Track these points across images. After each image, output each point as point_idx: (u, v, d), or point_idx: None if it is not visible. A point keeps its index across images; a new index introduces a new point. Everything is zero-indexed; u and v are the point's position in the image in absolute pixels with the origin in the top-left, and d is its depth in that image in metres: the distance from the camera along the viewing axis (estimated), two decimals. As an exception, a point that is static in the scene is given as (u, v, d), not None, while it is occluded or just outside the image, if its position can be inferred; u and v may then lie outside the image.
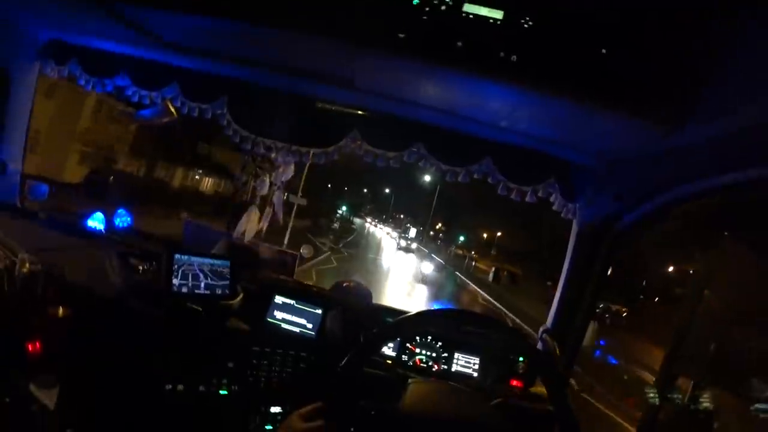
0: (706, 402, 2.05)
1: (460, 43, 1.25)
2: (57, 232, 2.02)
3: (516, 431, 1.26)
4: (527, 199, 1.85)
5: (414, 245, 36.14)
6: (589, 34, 1.23)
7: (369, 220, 72.61)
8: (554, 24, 1.24)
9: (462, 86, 1.44)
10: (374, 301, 1.94)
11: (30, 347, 1.48)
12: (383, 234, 54.32)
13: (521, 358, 1.78)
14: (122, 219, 2.31)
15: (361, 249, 27.98)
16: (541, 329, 1.90)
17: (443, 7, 1.26)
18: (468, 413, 1.17)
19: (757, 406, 1.63)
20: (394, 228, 57.54)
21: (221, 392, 1.57)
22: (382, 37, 1.29)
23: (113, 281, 1.67)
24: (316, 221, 31.36)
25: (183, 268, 1.60)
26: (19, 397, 1.43)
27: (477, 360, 1.86)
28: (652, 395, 1.99)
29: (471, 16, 1.25)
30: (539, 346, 1.85)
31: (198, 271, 1.64)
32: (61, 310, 1.48)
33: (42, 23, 2.02)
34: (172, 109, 2.06)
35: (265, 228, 2.07)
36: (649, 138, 1.39)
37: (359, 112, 1.89)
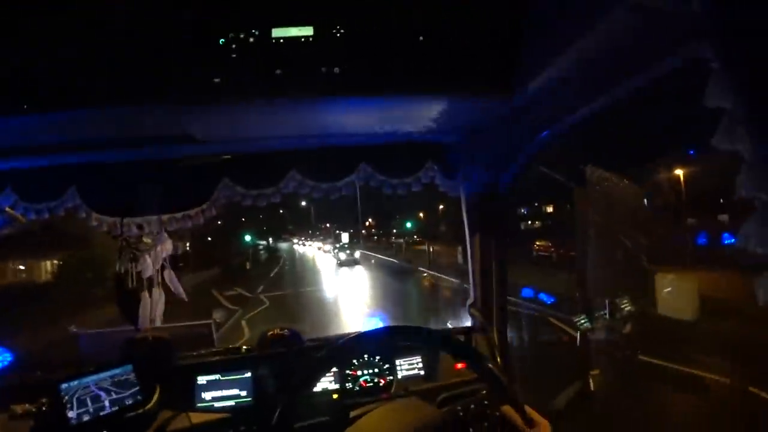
0: (626, 306, 2.28)
1: (278, 71, 1.22)
2: None
3: (460, 417, 1.29)
4: (413, 188, 1.88)
5: (357, 253, 29.47)
6: (402, 28, 1.27)
7: (295, 240, 64.92)
8: (365, 27, 1.25)
9: (300, 110, 1.42)
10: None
11: None
12: (314, 251, 48.00)
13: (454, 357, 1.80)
14: (2, 356, 1.99)
15: (291, 281, 20.95)
16: (468, 304, 1.96)
17: (251, 39, 1.22)
18: (413, 425, 1.16)
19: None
20: (325, 240, 52.83)
21: None
22: (198, 88, 1.22)
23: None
24: (227, 266, 23.98)
25: (77, 395, 1.41)
26: None
27: (419, 358, 1.88)
28: (582, 321, 2.15)
29: (282, 40, 1.22)
30: (470, 322, 1.92)
31: (97, 391, 1.45)
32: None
33: None
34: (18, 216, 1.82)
35: (161, 311, 1.88)
36: (492, 106, 1.48)
37: (225, 161, 1.79)
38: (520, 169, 1.69)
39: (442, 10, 1.28)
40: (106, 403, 1.44)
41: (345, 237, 41.63)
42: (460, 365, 1.81)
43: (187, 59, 1.23)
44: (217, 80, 1.22)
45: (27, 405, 1.44)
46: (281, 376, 1.62)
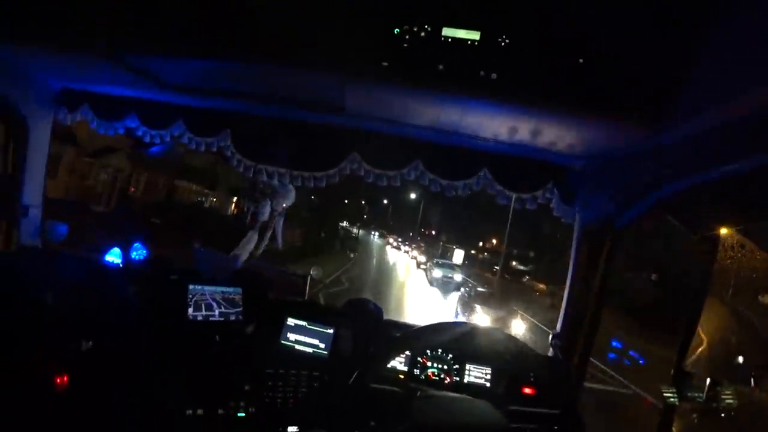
0: (729, 399, 2.01)
1: (441, 66, 1.31)
2: (78, 269, 2.12)
3: None
4: (527, 206, 1.88)
5: (458, 276, 20.08)
6: (565, 46, 1.29)
7: (391, 240, 50.25)
8: (529, 40, 1.30)
9: (448, 105, 1.50)
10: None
11: (58, 380, 1.56)
12: (407, 260, 31.83)
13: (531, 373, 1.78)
14: (138, 252, 2.41)
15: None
16: (551, 335, 1.91)
17: (423, 34, 1.33)
18: (478, 422, 1.19)
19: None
20: (427, 250, 34.91)
21: (239, 414, 1.62)
22: (367, 66, 1.36)
23: (132, 314, 1.75)
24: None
25: (197, 298, 1.68)
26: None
27: (489, 370, 1.87)
28: (670, 395, 1.96)
29: (450, 40, 1.32)
30: (551, 352, 1.86)
31: (211, 300, 1.71)
32: (84, 344, 1.56)
33: (54, 73, 2.16)
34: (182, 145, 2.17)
35: (259, 253, 2.12)
36: (634, 138, 1.43)
37: (356, 135, 1.96)
38: (646, 209, 1.60)
39: (607, 31, 1.27)
40: (216, 313, 1.70)
41: (458, 256, 28.97)
42: (528, 390, 1.77)
43: (364, 41, 1.38)
44: (384, 64, 1.35)
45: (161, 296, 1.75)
46: (361, 342, 1.74)
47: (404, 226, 55.15)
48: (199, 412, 1.59)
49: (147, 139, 2.28)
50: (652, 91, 1.27)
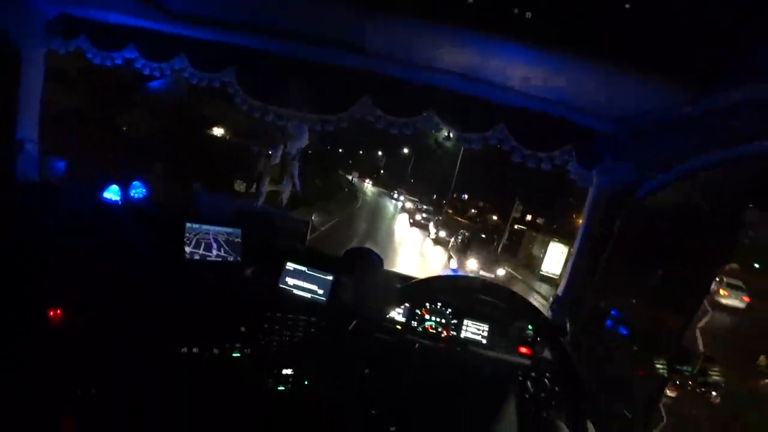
0: (715, 375, 2.04)
1: (470, 0, 1.19)
2: (76, 206, 2.07)
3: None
4: (542, 166, 1.80)
5: None
6: None
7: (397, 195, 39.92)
8: None
9: (474, 46, 1.39)
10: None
11: (51, 314, 1.55)
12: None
13: (530, 327, 1.77)
14: (137, 190, 2.36)
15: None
16: (551, 299, 1.88)
17: None
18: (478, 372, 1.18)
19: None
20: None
21: (234, 355, 1.62)
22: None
23: (128, 250, 1.71)
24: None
25: (197, 237, 1.64)
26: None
27: (486, 327, 1.87)
28: (660, 366, 1.98)
29: None
30: (549, 315, 1.85)
31: (211, 240, 1.67)
32: (79, 279, 1.53)
33: None
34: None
35: (286, 197, 2.07)
36: (673, 102, 1.33)
37: (370, 78, 1.84)
38: (670, 180, 1.54)
39: None
40: (214, 252, 1.66)
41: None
42: (524, 350, 1.77)
43: None
44: None
45: (159, 233, 1.71)
46: (360, 291, 1.72)
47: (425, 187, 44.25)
48: (194, 350, 1.59)
49: (146, 72, 2.16)
50: (705, 50, 1.14)
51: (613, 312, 1.98)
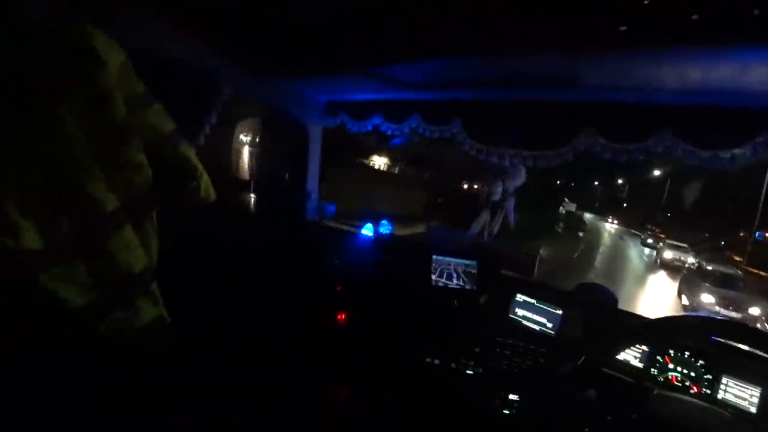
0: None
1: (695, 17, 1.11)
2: (343, 239, 2.75)
3: None
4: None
5: None
6: None
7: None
8: None
9: (703, 61, 1.26)
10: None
11: (340, 317, 2.10)
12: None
13: None
14: (385, 227, 2.95)
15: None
16: None
17: None
18: None
19: None
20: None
21: (468, 371, 1.81)
22: (598, 35, 1.27)
23: (384, 276, 2.17)
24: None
25: (440, 267, 1.96)
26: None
27: (757, 391, 1.48)
28: None
29: None
30: None
31: (452, 270, 1.97)
32: (355, 295, 2.04)
33: (322, 91, 2.81)
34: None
35: (495, 231, 2.25)
36: None
37: (591, 108, 1.84)
38: None
39: None
40: (455, 281, 1.95)
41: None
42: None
43: (596, 6, 1.29)
44: (623, 28, 1.23)
45: (408, 262, 2.12)
46: (591, 328, 1.68)
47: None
48: (436, 362, 1.86)
49: (389, 132, 2.72)
50: None
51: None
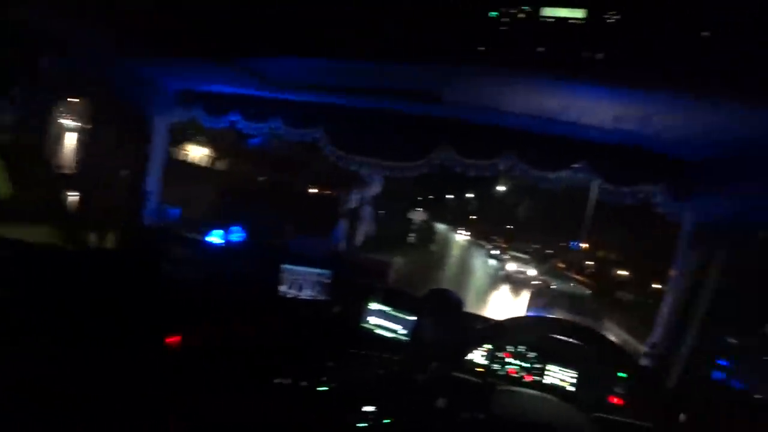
0: None
1: (541, 48, 1.26)
2: (184, 247, 2.39)
3: None
4: (625, 200, 1.74)
5: None
6: (684, 20, 1.17)
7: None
8: (643, 14, 1.19)
9: (548, 90, 1.44)
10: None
11: (171, 342, 1.77)
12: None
13: (622, 374, 1.65)
14: (237, 234, 2.68)
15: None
16: (646, 343, 1.75)
17: (520, 15, 1.29)
18: (563, 424, 1.14)
19: None
20: None
21: (320, 389, 1.70)
22: (463, 53, 1.35)
23: (229, 289, 1.93)
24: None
25: (290, 277, 1.81)
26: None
27: (573, 373, 1.77)
28: None
29: (551, 20, 1.26)
30: (645, 360, 1.71)
31: (303, 280, 1.83)
32: (192, 311, 1.76)
33: (175, 78, 2.46)
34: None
35: (353, 239, 2.22)
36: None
37: (449, 124, 1.95)
38: None
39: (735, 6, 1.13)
40: (306, 292, 1.83)
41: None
42: (616, 400, 1.64)
43: (456, 26, 1.37)
44: (481, 48, 1.33)
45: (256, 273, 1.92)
46: (442, 332, 1.74)
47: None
48: (286, 381, 1.70)
49: (246, 132, 2.50)
50: None
51: (721, 362, 1.78)
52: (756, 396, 1.70)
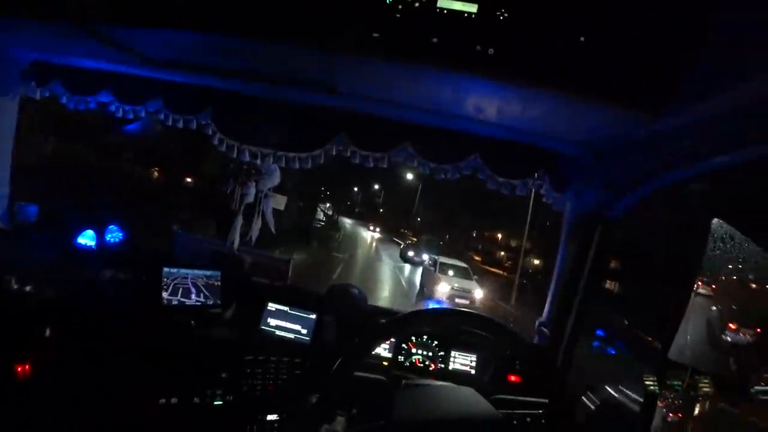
0: (705, 387, 2.05)
1: (435, 39, 1.24)
2: (47, 252, 2.01)
3: (514, 425, 1.25)
4: (517, 192, 1.85)
5: None
6: (567, 24, 1.23)
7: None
8: (530, 15, 1.23)
9: (442, 83, 1.43)
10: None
11: (19, 369, 1.47)
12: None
13: (517, 353, 1.77)
14: (114, 235, 2.30)
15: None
16: (537, 322, 1.89)
17: (417, 4, 1.25)
18: (464, 411, 1.16)
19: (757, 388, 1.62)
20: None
21: (216, 403, 1.56)
22: (356, 39, 1.28)
23: (102, 298, 1.66)
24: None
25: (174, 281, 1.59)
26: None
27: (474, 357, 1.86)
28: (651, 383, 1.98)
29: (445, 12, 1.25)
30: (536, 339, 1.85)
31: (189, 284, 1.63)
32: (49, 330, 1.46)
33: (23, 45, 2.01)
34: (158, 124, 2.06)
35: (255, 236, 2.05)
36: (634, 125, 1.39)
37: (345, 116, 1.88)
38: (638, 199, 1.58)
39: (611, 12, 1.22)
40: (193, 297, 1.62)
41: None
42: (514, 378, 1.76)
43: (351, 11, 1.29)
44: (375, 35, 1.27)
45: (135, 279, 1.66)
46: (345, 329, 1.69)
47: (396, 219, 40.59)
48: (173, 401, 1.52)
49: (119, 115, 2.16)
50: (653, 77, 1.22)
51: (599, 332, 1.99)
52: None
